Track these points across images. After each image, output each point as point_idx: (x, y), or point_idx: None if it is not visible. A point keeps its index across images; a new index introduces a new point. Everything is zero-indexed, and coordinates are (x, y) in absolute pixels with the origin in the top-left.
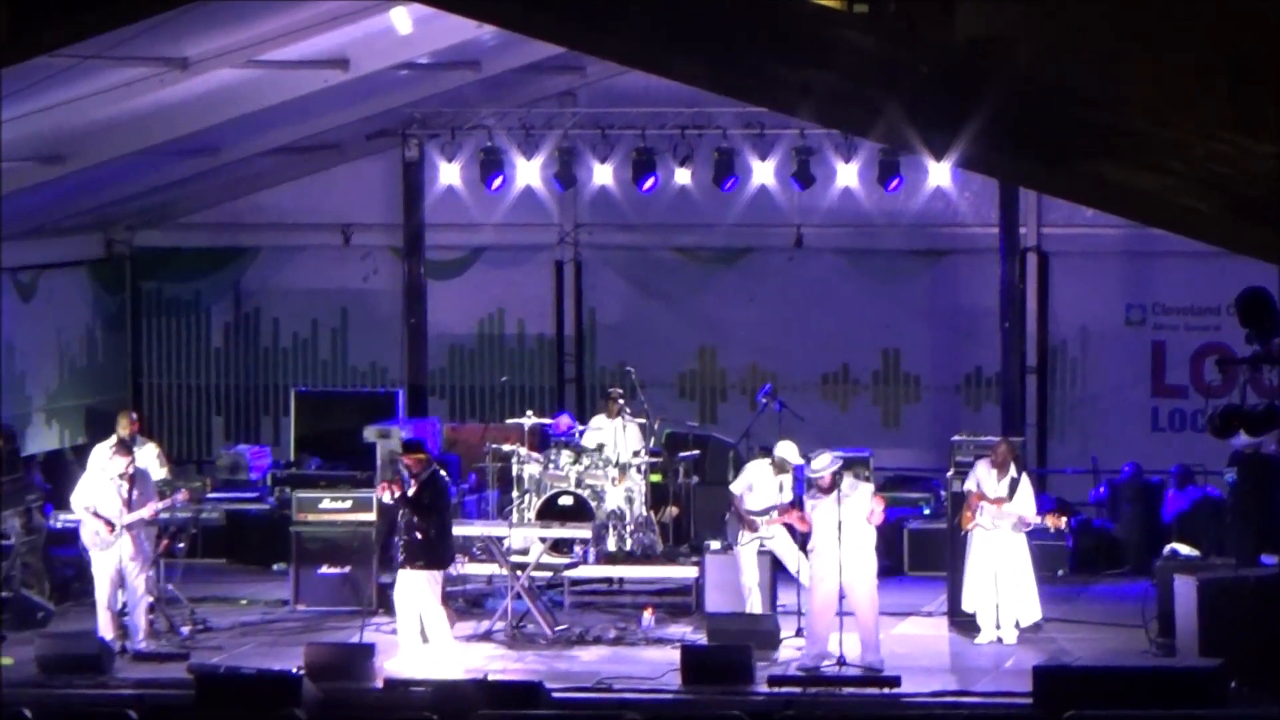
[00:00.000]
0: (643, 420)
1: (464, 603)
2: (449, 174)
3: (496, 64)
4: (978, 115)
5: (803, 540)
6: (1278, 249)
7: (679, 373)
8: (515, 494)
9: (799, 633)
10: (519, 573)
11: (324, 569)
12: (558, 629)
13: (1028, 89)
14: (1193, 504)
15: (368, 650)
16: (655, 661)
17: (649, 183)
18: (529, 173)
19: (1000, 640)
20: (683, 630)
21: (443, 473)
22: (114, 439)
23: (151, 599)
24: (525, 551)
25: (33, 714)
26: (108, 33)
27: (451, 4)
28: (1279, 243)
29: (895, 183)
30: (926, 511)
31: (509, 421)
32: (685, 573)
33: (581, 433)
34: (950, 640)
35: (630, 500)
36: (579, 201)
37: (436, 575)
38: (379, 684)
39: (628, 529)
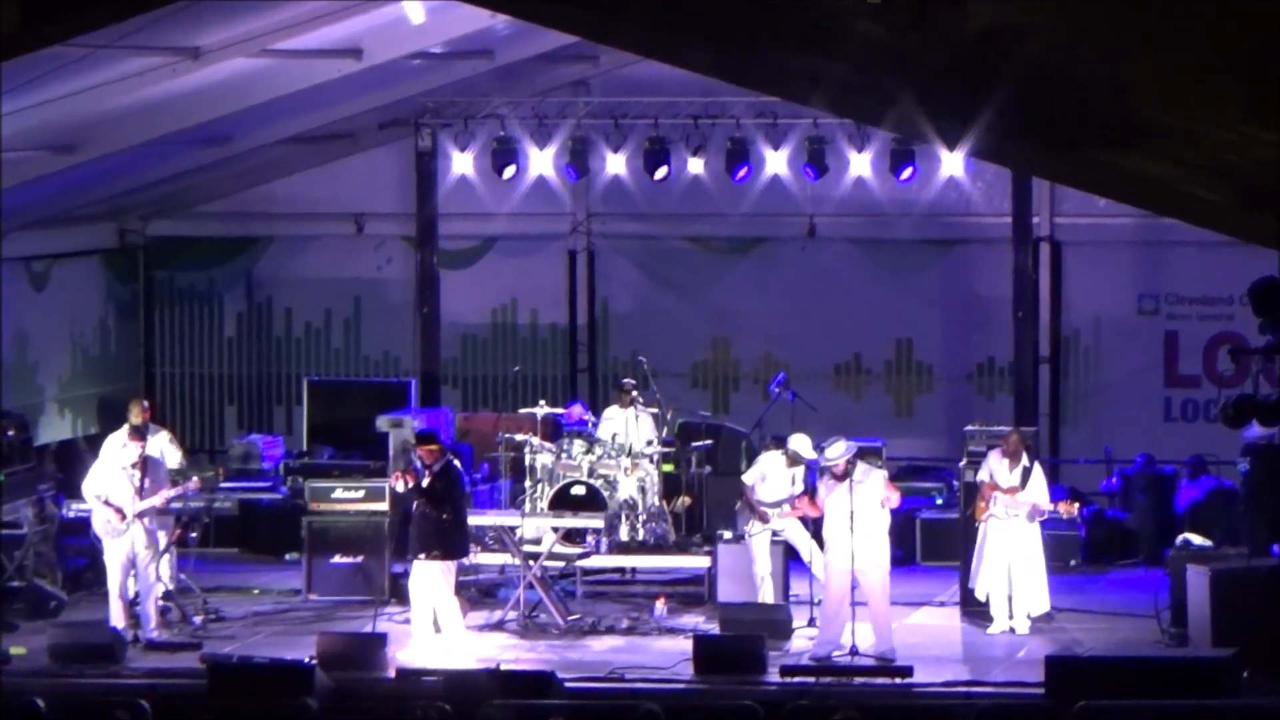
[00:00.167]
0: (655, 410)
1: (476, 592)
2: (462, 163)
3: (509, 53)
4: (990, 105)
5: (815, 528)
6: None
7: (691, 362)
8: (528, 484)
9: (811, 622)
10: (531, 562)
11: (336, 559)
12: (570, 619)
13: (1039, 78)
14: (1206, 494)
15: (380, 640)
16: (668, 651)
17: (662, 172)
18: (542, 162)
19: (1013, 630)
20: (695, 620)
21: (456, 462)
22: (126, 427)
23: (170, 587)
24: (538, 541)
25: (45, 703)
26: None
27: None
28: None
29: (908, 172)
30: (939, 501)
31: (522, 411)
32: (698, 562)
33: (594, 423)
34: (963, 630)
35: (643, 490)
36: (592, 191)
37: (451, 565)
38: (391, 673)
39: (640, 519)
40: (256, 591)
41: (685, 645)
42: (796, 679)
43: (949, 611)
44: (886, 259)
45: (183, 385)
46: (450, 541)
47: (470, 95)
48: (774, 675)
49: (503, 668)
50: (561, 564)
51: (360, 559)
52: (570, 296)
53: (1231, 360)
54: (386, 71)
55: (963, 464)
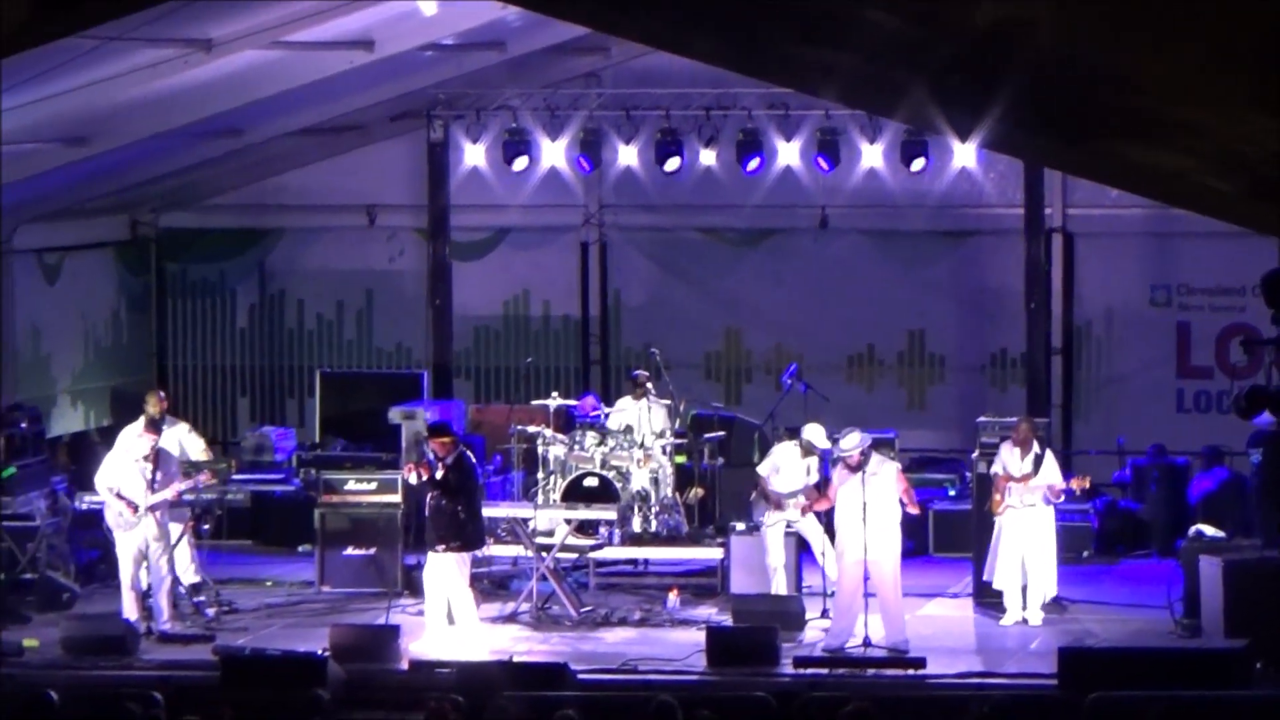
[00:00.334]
0: (668, 402)
1: (489, 584)
2: (474, 155)
3: (521, 45)
4: (1000, 96)
5: (828, 521)
6: None
7: (704, 354)
8: (540, 475)
9: (824, 614)
10: (544, 554)
11: (349, 550)
12: (583, 610)
13: (1049, 70)
14: (1218, 485)
15: (393, 631)
16: (680, 643)
17: (674, 163)
18: (554, 154)
19: (1025, 621)
20: (708, 611)
21: (470, 454)
22: (143, 419)
23: (198, 579)
24: (550, 533)
25: (58, 695)
26: (132, 14)
27: None
28: None
29: (920, 164)
30: (952, 493)
31: (534, 403)
32: (710, 554)
33: (607, 415)
34: (975, 621)
35: (655, 481)
36: (604, 182)
37: (466, 557)
38: (404, 665)
39: (653, 510)
40: (269, 583)
41: (698, 637)
42: (809, 670)
43: (962, 603)
44: (899, 250)
45: (195, 377)
46: (466, 533)
47: (482, 87)
48: (787, 666)
49: (516, 660)
50: (574, 556)
51: (373, 551)
52: (582, 288)
53: (1244, 351)
54: (398, 63)
55: (975, 455)
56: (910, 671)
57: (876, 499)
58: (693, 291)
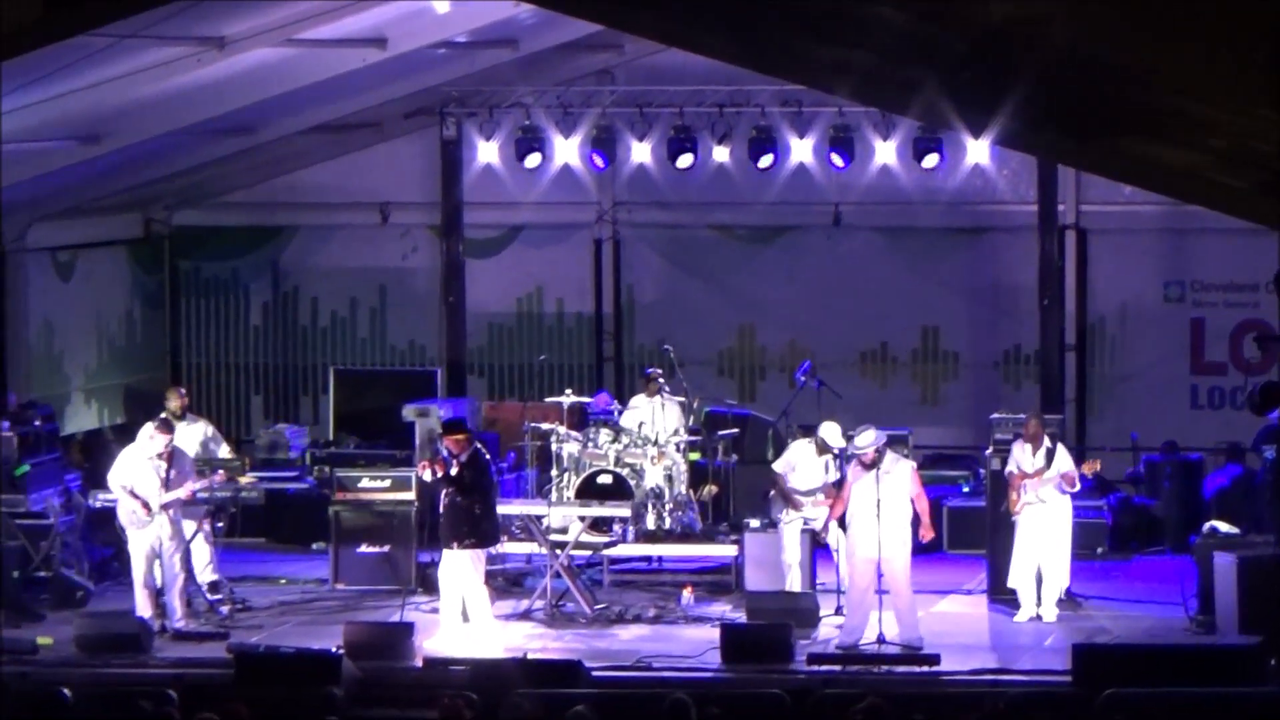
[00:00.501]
0: (682, 399)
1: (503, 581)
2: (487, 152)
3: (534, 42)
4: (1013, 93)
5: (842, 518)
6: None
7: (718, 351)
8: (554, 472)
9: (838, 611)
10: (558, 551)
11: (363, 548)
12: (597, 608)
13: (1062, 66)
14: (1232, 481)
15: (407, 629)
16: (695, 640)
17: (687, 160)
18: (567, 151)
19: (1040, 618)
20: (722, 608)
21: (485, 451)
22: (161, 416)
23: (216, 577)
24: (564, 530)
25: (72, 693)
26: (145, 12)
27: None
28: None
29: (934, 160)
30: (966, 489)
31: (548, 400)
32: (724, 551)
33: (620, 412)
34: (990, 618)
35: (669, 479)
36: (617, 180)
37: (481, 554)
38: (418, 663)
39: (667, 507)
40: (283, 581)
41: (712, 634)
42: (823, 667)
43: (976, 599)
44: (912, 247)
45: (209, 375)
46: (482, 530)
47: (495, 84)
48: (801, 663)
49: (530, 657)
50: (588, 553)
51: (387, 548)
52: (596, 285)
53: (1258, 347)
54: (411, 61)
55: (989, 452)
56: (924, 668)
57: (890, 497)
58: (706, 288)
